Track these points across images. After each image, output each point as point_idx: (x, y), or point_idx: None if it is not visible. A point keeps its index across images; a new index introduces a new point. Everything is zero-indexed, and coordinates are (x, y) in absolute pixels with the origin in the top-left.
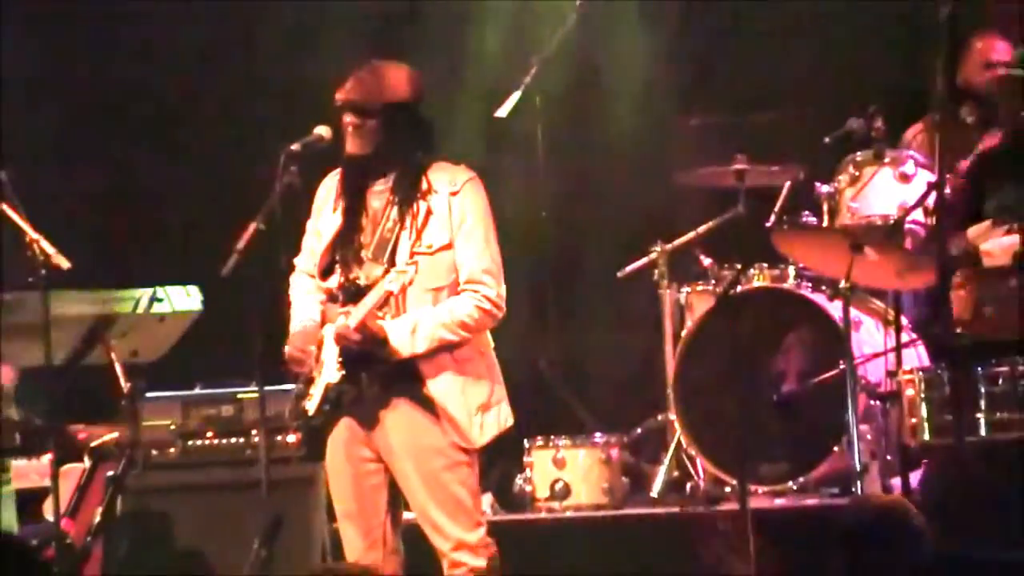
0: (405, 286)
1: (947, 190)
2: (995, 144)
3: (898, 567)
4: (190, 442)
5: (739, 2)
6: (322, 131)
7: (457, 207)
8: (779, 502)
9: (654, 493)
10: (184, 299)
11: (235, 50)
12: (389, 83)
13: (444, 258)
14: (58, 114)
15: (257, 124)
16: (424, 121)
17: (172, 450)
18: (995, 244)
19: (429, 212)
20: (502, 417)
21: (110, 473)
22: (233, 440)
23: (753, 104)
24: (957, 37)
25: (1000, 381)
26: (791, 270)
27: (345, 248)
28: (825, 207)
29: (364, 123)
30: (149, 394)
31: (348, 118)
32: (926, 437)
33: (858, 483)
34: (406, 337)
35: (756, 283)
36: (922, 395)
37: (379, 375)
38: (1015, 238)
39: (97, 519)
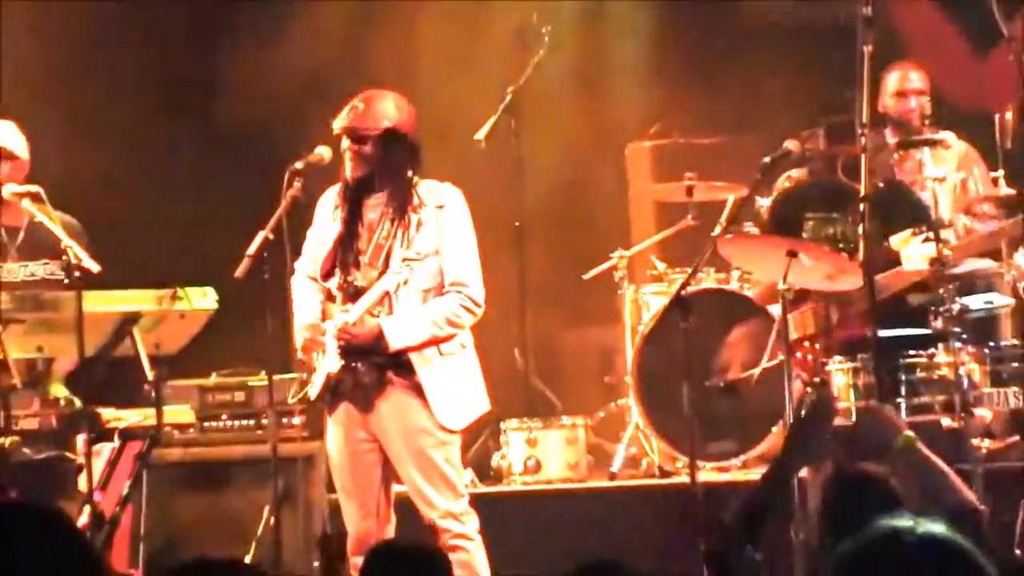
0: (399, 286)
1: None
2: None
3: None
4: (207, 423)
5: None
6: (322, 151)
7: (443, 219)
8: (725, 477)
9: (614, 468)
10: (201, 298)
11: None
12: (382, 112)
13: (432, 264)
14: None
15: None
16: (413, 144)
17: (191, 430)
18: (914, 250)
19: (419, 223)
20: (481, 404)
21: (137, 451)
22: (244, 422)
23: (702, 129)
24: (876, 69)
25: (917, 370)
26: (734, 273)
27: (345, 254)
28: (765, 218)
29: (361, 149)
30: (171, 381)
31: (346, 144)
32: (853, 419)
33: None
34: (399, 332)
35: (704, 284)
36: (850, 381)
37: (374, 365)
38: (932, 245)
39: (125, 491)
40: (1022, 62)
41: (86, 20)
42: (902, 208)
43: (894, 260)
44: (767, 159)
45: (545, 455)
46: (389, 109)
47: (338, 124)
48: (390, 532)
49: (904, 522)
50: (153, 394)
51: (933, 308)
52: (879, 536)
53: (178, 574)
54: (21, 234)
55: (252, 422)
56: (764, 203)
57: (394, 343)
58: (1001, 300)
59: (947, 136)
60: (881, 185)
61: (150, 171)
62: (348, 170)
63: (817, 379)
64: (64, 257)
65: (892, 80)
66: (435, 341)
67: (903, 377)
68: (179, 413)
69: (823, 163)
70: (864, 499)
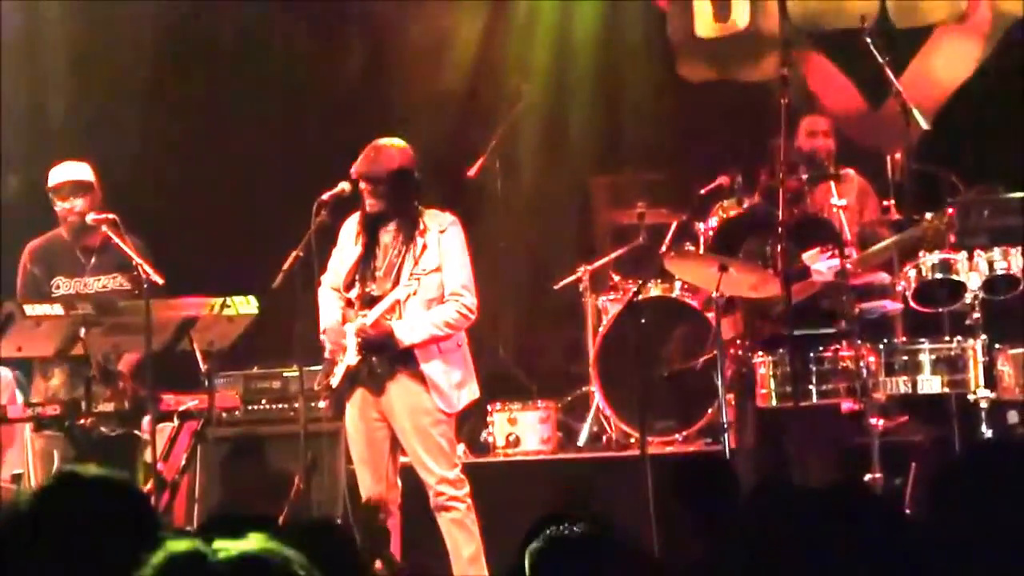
0: (409, 296)
1: None
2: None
3: None
4: (250, 407)
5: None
6: (345, 185)
7: (444, 242)
8: (669, 449)
9: (580, 443)
10: (245, 305)
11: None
12: (389, 157)
13: (435, 278)
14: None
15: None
16: (417, 180)
17: (237, 413)
18: (822, 264)
19: (424, 246)
20: (472, 391)
21: (193, 429)
22: (280, 405)
23: (651, 166)
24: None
25: (825, 362)
26: (677, 284)
27: (364, 270)
28: (701, 239)
29: (375, 188)
30: (220, 372)
31: (363, 185)
32: (773, 402)
33: (725, 434)
34: (407, 332)
35: (652, 293)
36: (770, 371)
37: (386, 359)
38: (836, 260)
39: (183, 462)
40: (907, 111)
41: (148, 53)
42: (813, 230)
43: (806, 272)
44: (703, 191)
45: (523, 432)
46: (395, 154)
47: (355, 170)
48: (396, 495)
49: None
50: (206, 382)
51: (838, 311)
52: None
53: (226, 525)
54: (94, 254)
55: (286, 405)
56: (702, 226)
57: (403, 340)
58: (893, 305)
59: (848, 172)
60: (796, 212)
61: (203, 198)
62: (366, 204)
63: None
64: (135, 272)
65: (805, 125)
66: (436, 340)
67: (813, 368)
68: (227, 398)
69: (765, 193)
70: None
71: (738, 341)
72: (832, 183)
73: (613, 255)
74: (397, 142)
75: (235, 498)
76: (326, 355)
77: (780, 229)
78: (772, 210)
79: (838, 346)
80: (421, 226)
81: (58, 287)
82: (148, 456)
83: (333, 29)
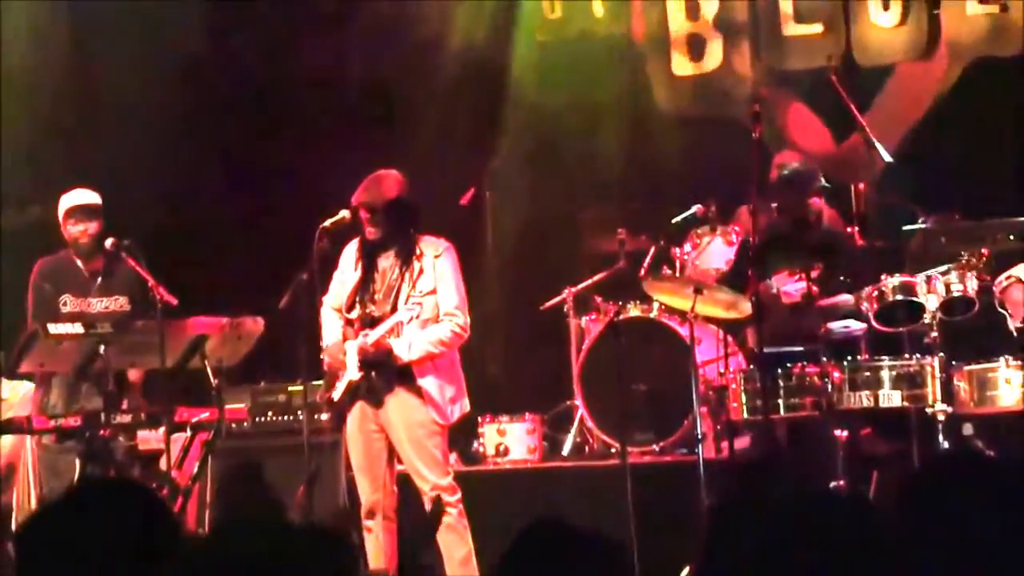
0: (412, 319)
1: None
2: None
3: None
4: (257, 419)
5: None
6: (345, 214)
7: (439, 266)
8: (647, 459)
9: (564, 453)
10: (253, 324)
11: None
12: (387, 188)
13: (431, 300)
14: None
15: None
16: (413, 209)
17: (245, 424)
18: (790, 287)
19: (421, 270)
20: (464, 406)
21: (204, 439)
22: (285, 417)
23: (631, 197)
24: (764, 151)
25: (792, 378)
26: (655, 305)
27: (364, 293)
28: (678, 264)
29: (374, 216)
30: (229, 387)
31: (363, 213)
32: (744, 415)
33: (699, 446)
34: (404, 349)
35: (632, 314)
36: (741, 387)
37: (384, 374)
38: (803, 283)
39: (195, 470)
40: (871, 146)
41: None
42: (784, 254)
43: (777, 294)
44: (677, 219)
45: (511, 443)
46: (392, 185)
47: (356, 198)
48: (393, 501)
49: None
50: (216, 396)
51: (805, 330)
52: None
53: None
54: (100, 275)
55: (290, 417)
56: (677, 252)
57: (401, 357)
58: (856, 325)
59: (816, 202)
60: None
61: (212, 222)
62: (366, 231)
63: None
64: (141, 294)
65: (776, 161)
66: (431, 357)
67: (782, 383)
68: (236, 411)
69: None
70: None
71: (711, 358)
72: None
73: (595, 279)
74: (394, 173)
75: (243, 504)
76: (328, 371)
77: (754, 256)
78: (793, 229)
79: (805, 363)
80: (417, 251)
81: (65, 304)
82: (163, 464)
83: (337, 56)
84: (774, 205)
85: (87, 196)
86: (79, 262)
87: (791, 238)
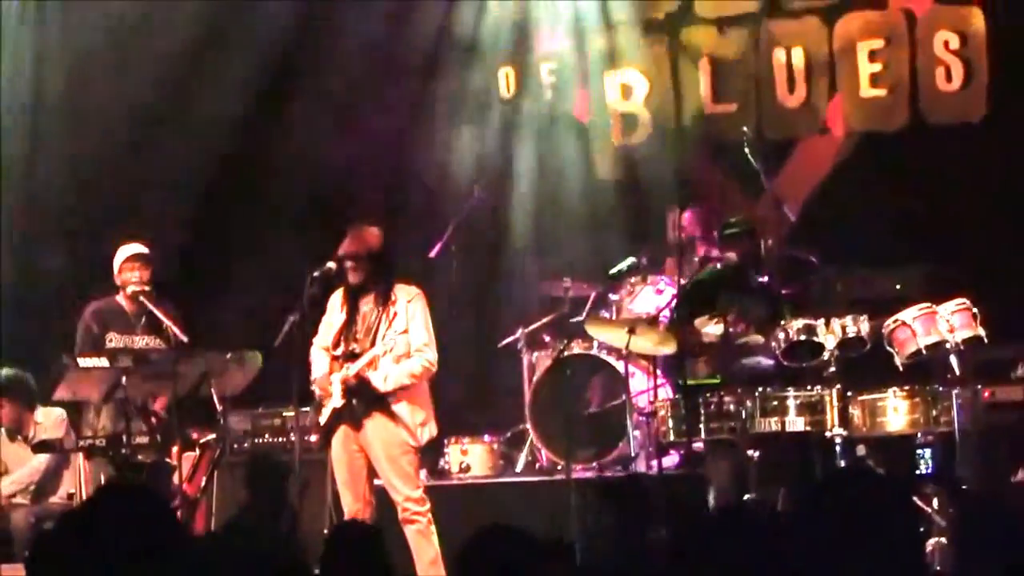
0: (386, 353)
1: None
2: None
3: None
4: (256, 440)
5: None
6: (331, 264)
7: (410, 309)
8: (588, 474)
9: (517, 469)
10: (253, 359)
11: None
12: (370, 240)
13: (403, 339)
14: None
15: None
16: (389, 260)
17: (246, 444)
18: (710, 328)
19: (395, 313)
20: (432, 429)
21: (211, 457)
22: (280, 439)
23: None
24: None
25: (712, 406)
26: (595, 343)
27: (347, 332)
28: (614, 308)
29: (358, 265)
30: (232, 412)
31: (348, 263)
32: (671, 438)
33: (632, 464)
34: (380, 381)
35: (576, 350)
36: (669, 413)
37: (364, 402)
38: (721, 325)
39: (203, 483)
40: (778, 206)
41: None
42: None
43: (697, 334)
44: (614, 269)
45: (473, 460)
46: (373, 239)
47: (343, 250)
48: (371, 511)
49: None
50: (221, 420)
51: (722, 365)
52: None
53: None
54: (144, 316)
55: (284, 439)
56: (614, 297)
57: (378, 388)
58: (766, 361)
59: (730, 256)
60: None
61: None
62: (350, 279)
63: None
64: (166, 333)
65: (684, 220)
66: (404, 387)
67: (703, 410)
68: (238, 433)
69: (741, 256)
70: None
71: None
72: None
73: (544, 320)
74: (374, 228)
75: (244, 512)
76: (317, 399)
77: (679, 302)
78: (744, 271)
79: (723, 392)
80: (393, 297)
81: (111, 340)
82: (176, 479)
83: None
84: (695, 257)
85: (141, 247)
86: (125, 304)
87: (713, 285)
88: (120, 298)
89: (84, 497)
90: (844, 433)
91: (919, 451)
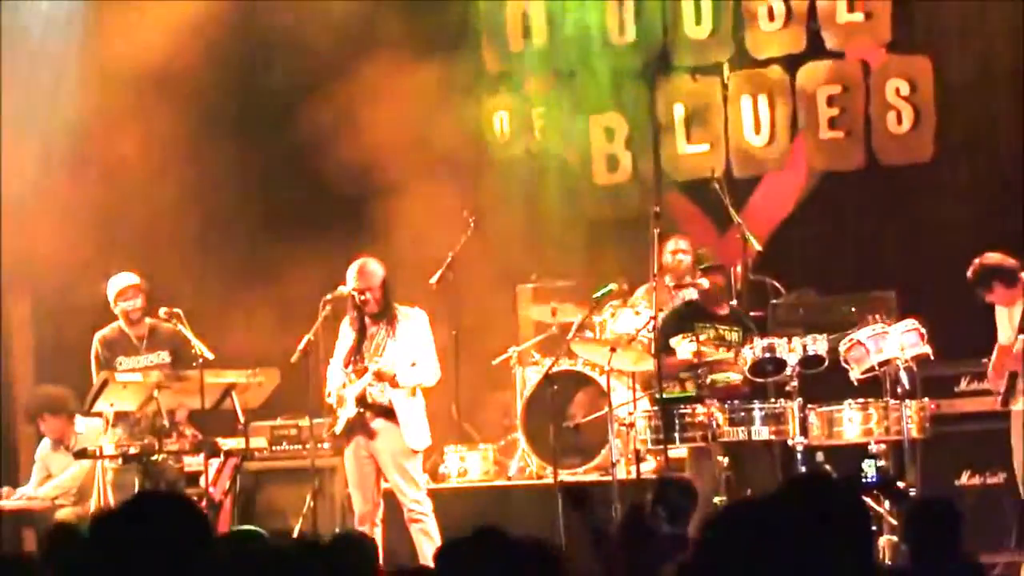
0: (392, 364)
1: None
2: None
3: None
4: (274, 448)
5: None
6: (343, 289)
7: (413, 330)
8: (573, 478)
9: (510, 474)
10: (272, 374)
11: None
12: (375, 274)
13: (407, 357)
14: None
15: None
16: (391, 288)
17: (265, 452)
18: (684, 347)
19: (401, 333)
20: (428, 439)
21: (234, 464)
22: (296, 447)
23: (561, 276)
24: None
25: (685, 417)
26: (580, 360)
27: (358, 352)
28: (597, 329)
29: (366, 296)
30: (253, 423)
31: (359, 297)
32: (649, 445)
33: (613, 469)
34: (401, 376)
35: (563, 367)
36: (647, 424)
37: (374, 412)
38: (695, 343)
39: (227, 487)
40: (745, 237)
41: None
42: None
43: (673, 352)
44: (598, 294)
45: (470, 466)
46: (377, 271)
47: (353, 285)
48: (379, 511)
49: None
50: (243, 430)
51: (695, 380)
52: None
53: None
54: (146, 338)
55: (300, 446)
56: (597, 319)
57: (386, 399)
58: (735, 377)
59: (702, 282)
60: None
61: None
62: (366, 308)
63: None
64: (182, 349)
65: (669, 245)
66: (413, 391)
67: (677, 421)
68: (258, 441)
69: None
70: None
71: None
72: (690, 288)
73: (534, 340)
74: (375, 261)
75: (262, 515)
76: (333, 408)
77: (656, 325)
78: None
79: (696, 405)
80: (398, 319)
81: (120, 363)
82: (202, 482)
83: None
84: (672, 283)
85: (131, 278)
86: (128, 330)
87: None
88: (122, 324)
89: (104, 501)
90: (804, 441)
91: (867, 460)
